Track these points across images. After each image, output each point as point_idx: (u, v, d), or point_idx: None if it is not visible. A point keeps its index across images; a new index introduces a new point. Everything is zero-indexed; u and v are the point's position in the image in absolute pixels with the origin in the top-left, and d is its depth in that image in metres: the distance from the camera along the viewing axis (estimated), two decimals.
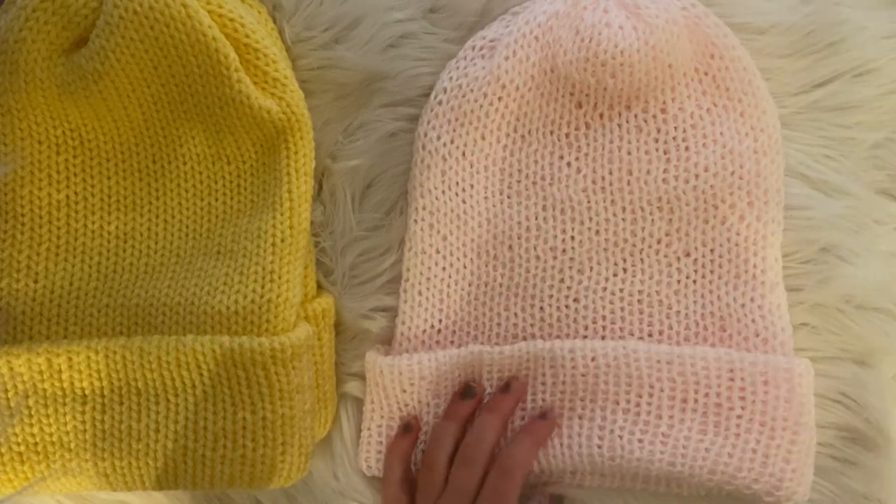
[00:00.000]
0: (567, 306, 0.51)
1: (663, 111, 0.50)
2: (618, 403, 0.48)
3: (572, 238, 0.51)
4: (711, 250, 0.50)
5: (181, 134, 0.50)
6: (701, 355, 0.48)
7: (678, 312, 0.50)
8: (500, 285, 0.51)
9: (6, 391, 0.47)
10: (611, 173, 0.51)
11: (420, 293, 0.52)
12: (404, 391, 0.51)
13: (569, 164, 0.51)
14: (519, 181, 0.52)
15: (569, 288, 0.51)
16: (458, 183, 0.52)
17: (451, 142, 0.51)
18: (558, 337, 0.51)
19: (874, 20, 0.52)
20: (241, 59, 0.48)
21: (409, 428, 0.51)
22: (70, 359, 0.47)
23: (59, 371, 0.47)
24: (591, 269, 0.51)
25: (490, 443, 0.48)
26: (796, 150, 0.52)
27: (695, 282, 0.50)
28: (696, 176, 0.50)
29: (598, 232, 0.51)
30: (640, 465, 0.48)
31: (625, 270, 0.51)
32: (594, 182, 0.51)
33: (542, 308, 0.51)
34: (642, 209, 0.50)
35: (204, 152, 0.50)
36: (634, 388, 0.48)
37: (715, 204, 0.50)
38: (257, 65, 0.49)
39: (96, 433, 0.48)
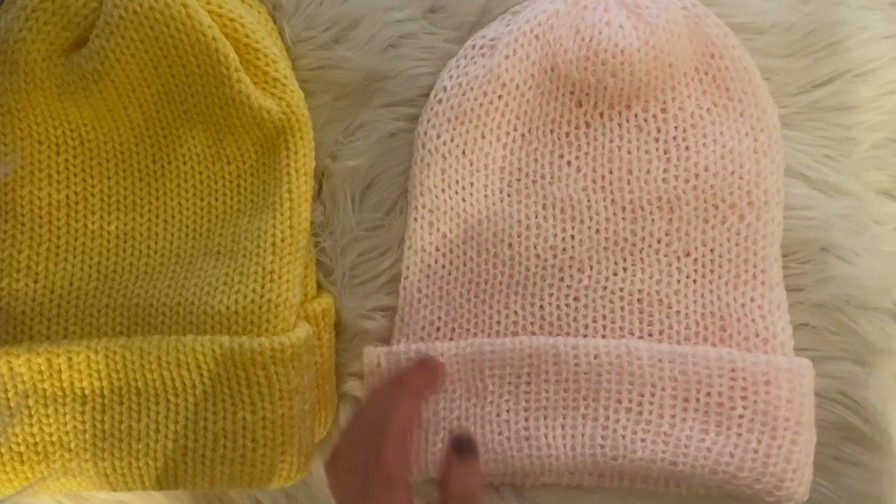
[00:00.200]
0: (567, 305, 0.51)
1: (663, 111, 0.50)
2: (620, 402, 0.48)
3: (572, 237, 0.51)
4: (711, 250, 0.50)
5: (181, 134, 0.50)
6: (702, 354, 0.48)
7: (678, 312, 0.50)
8: (500, 283, 0.51)
9: (6, 391, 0.47)
10: (611, 172, 0.51)
11: (419, 290, 0.52)
12: None
13: (569, 162, 0.51)
14: (519, 180, 0.52)
15: (569, 287, 0.51)
16: (458, 181, 0.52)
17: (451, 140, 0.51)
18: (559, 336, 0.51)
19: (874, 20, 0.52)
20: (241, 59, 0.48)
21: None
22: (70, 359, 0.47)
23: (59, 371, 0.47)
24: (591, 268, 0.51)
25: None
26: (796, 150, 0.52)
27: (695, 281, 0.50)
28: (696, 175, 0.50)
29: (598, 231, 0.51)
30: (642, 465, 0.48)
31: (625, 270, 0.51)
32: (594, 181, 0.51)
33: (541, 307, 0.51)
34: (642, 208, 0.50)
35: (204, 152, 0.50)
36: (636, 386, 0.48)
37: (715, 204, 0.50)
38: (257, 65, 0.49)
39: (96, 433, 0.48)
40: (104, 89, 0.48)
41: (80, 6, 0.46)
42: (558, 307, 0.51)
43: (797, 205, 0.51)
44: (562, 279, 0.51)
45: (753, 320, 0.49)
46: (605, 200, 0.51)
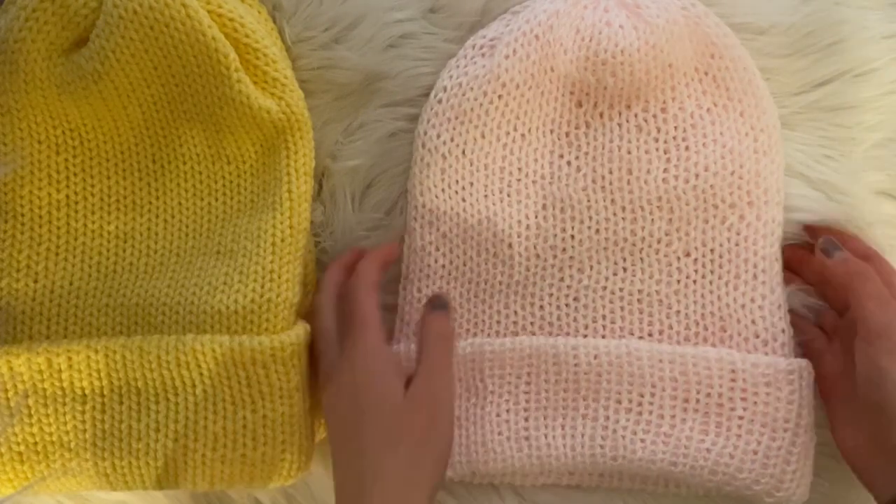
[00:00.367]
0: (567, 305, 0.51)
1: (663, 110, 0.50)
2: (620, 402, 0.48)
3: (572, 237, 0.51)
4: (711, 250, 0.50)
5: (181, 134, 0.50)
6: (702, 355, 0.48)
7: (678, 312, 0.50)
8: (500, 283, 0.51)
9: (6, 391, 0.47)
10: (611, 172, 0.51)
11: (419, 290, 0.52)
12: None
13: (569, 162, 0.51)
14: (519, 179, 0.52)
15: (568, 287, 0.51)
16: (458, 181, 0.52)
17: (451, 140, 0.51)
18: (558, 336, 0.51)
19: (874, 20, 0.52)
20: (241, 59, 0.48)
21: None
22: (70, 358, 0.47)
23: (59, 371, 0.47)
24: (591, 267, 0.51)
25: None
26: (796, 150, 0.52)
27: (695, 281, 0.50)
28: (696, 175, 0.50)
29: (598, 231, 0.51)
30: (642, 465, 0.48)
31: (625, 270, 0.51)
32: (594, 181, 0.51)
33: (541, 307, 0.51)
34: (642, 208, 0.50)
35: (204, 152, 0.50)
36: (636, 386, 0.48)
37: (715, 204, 0.50)
38: (257, 65, 0.49)
39: (96, 433, 0.48)
40: (104, 89, 0.48)
41: (80, 6, 0.46)
42: (558, 307, 0.51)
43: (797, 205, 0.51)
44: (562, 279, 0.51)
45: (753, 321, 0.49)
46: (604, 200, 0.51)
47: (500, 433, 0.50)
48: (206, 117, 0.49)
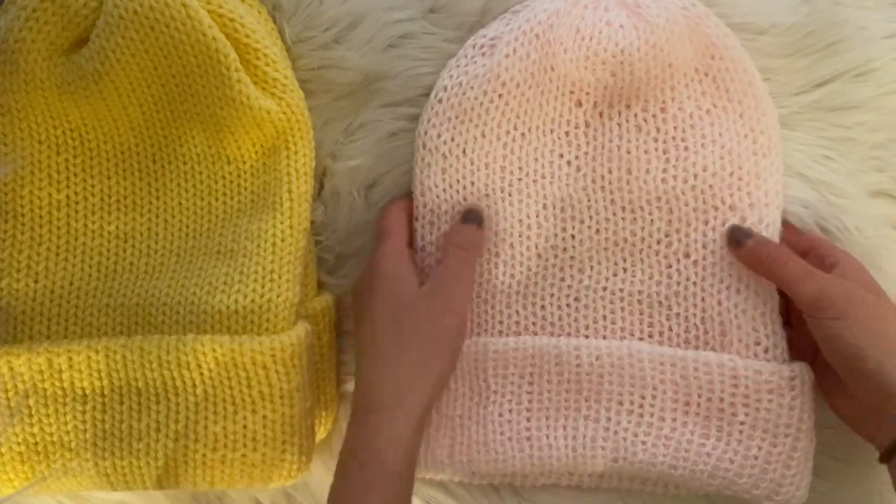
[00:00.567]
0: (568, 305, 0.51)
1: (663, 111, 0.50)
2: (621, 404, 0.48)
3: (572, 237, 0.51)
4: (712, 252, 0.50)
5: (181, 134, 0.50)
6: (704, 360, 0.48)
7: (678, 314, 0.50)
8: (502, 283, 0.51)
9: (6, 391, 0.47)
10: (610, 172, 0.51)
11: None
12: None
13: (569, 162, 0.51)
14: (520, 179, 0.52)
15: (569, 287, 0.51)
16: (458, 181, 0.52)
17: (452, 139, 0.51)
18: (560, 336, 0.51)
19: (874, 20, 0.52)
20: (241, 59, 0.48)
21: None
22: (70, 358, 0.47)
23: (60, 371, 0.47)
24: (592, 268, 0.51)
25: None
26: (796, 150, 0.52)
27: (695, 283, 0.50)
28: (695, 176, 0.50)
29: (598, 231, 0.51)
30: (642, 467, 0.48)
31: (625, 270, 0.51)
32: (594, 181, 0.51)
33: (542, 307, 0.51)
34: (641, 208, 0.50)
35: (204, 152, 0.50)
36: (638, 388, 0.48)
37: (715, 205, 0.50)
38: (257, 65, 0.49)
39: (97, 433, 0.48)
40: (104, 89, 0.48)
41: (80, 6, 0.46)
42: (559, 307, 0.51)
43: (797, 205, 0.51)
44: (562, 279, 0.51)
45: (755, 328, 0.49)
46: (604, 200, 0.51)
47: (501, 433, 0.50)
48: (206, 117, 0.49)
